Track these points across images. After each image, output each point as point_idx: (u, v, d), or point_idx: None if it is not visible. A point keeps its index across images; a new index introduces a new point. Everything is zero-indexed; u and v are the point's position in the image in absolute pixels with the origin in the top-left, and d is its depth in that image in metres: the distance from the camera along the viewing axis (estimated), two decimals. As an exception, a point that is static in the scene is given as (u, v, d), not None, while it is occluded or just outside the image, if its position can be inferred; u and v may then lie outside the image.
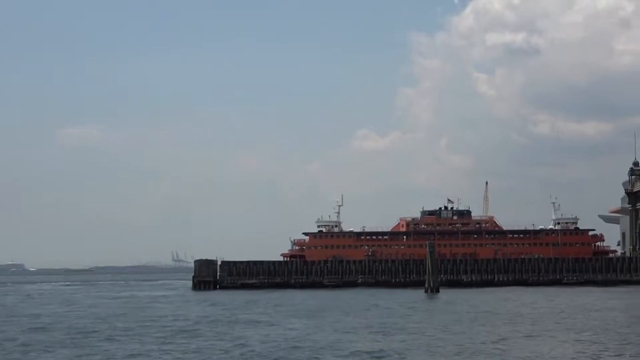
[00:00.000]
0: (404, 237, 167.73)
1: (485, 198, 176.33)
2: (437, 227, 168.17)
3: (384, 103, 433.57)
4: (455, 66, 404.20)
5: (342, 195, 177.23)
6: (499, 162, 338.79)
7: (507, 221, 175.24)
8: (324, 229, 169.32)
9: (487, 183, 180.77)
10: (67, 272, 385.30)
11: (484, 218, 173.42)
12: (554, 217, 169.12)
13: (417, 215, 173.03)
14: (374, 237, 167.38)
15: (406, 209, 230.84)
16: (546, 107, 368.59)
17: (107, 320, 61.79)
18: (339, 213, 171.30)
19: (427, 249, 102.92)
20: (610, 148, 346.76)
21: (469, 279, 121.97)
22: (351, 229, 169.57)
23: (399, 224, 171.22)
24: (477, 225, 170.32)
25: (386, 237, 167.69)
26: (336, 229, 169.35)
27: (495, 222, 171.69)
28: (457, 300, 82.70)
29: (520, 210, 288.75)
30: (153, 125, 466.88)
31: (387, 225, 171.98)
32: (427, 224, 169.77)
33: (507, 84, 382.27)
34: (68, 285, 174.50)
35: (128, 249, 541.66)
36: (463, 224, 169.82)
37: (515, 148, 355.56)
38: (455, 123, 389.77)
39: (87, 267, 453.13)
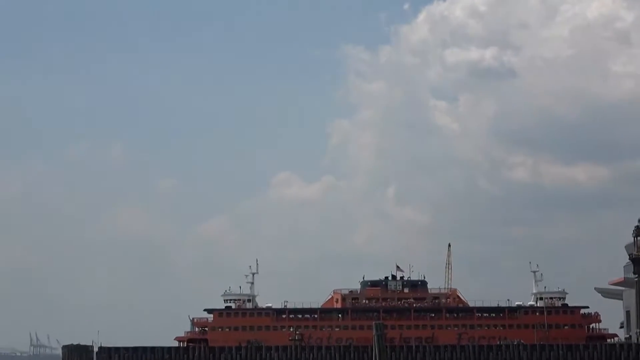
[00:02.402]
0: (340, 315, 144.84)
1: (447, 265, 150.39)
2: (383, 303, 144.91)
3: (312, 139, 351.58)
4: (405, 91, 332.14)
5: (256, 261, 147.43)
6: (464, 217, 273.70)
7: (475, 295, 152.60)
8: (233, 305, 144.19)
9: (449, 245, 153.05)
10: None
11: (444, 291, 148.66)
12: (535, 291, 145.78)
13: (357, 287, 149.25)
14: (300, 316, 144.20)
15: (342, 278, 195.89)
16: (524, 146, 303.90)
17: None
18: (252, 284, 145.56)
19: (374, 332, 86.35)
20: (607, 199, 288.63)
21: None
22: (269, 305, 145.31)
23: (332, 298, 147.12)
24: (435, 301, 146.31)
25: (316, 315, 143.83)
26: (249, 305, 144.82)
27: (459, 297, 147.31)
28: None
29: (491, 281, 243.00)
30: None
31: (317, 300, 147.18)
32: (369, 299, 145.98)
33: (474, 115, 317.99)
34: None
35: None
36: (417, 299, 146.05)
37: (485, 199, 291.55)
38: (406, 166, 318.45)
39: None
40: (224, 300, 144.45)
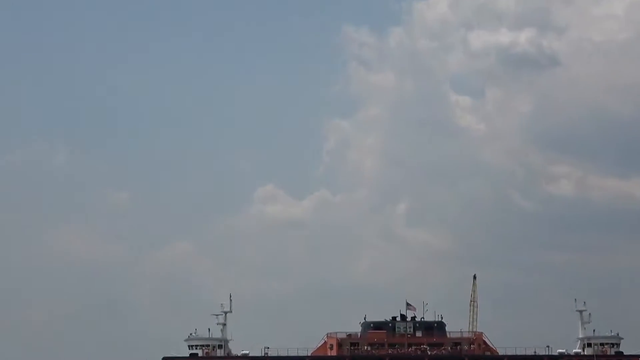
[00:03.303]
0: None
1: (472, 302, 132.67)
2: (390, 350, 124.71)
3: (303, 143, 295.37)
4: (419, 84, 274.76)
5: (230, 296, 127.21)
6: (493, 242, 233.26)
7: (506, 341, 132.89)
8: (200, 352, 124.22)
9: (474, 277, 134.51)
10: None
11: (467, 335, 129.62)
12: (581, 335, 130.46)
13: (357, 329, 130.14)
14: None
15: (338, 318, 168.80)
16: (568, 152, 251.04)
17: None
18: (225, 325, 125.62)
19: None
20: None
21: None
22: (246, 352, 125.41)
23: (325, 343, 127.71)
24: (456, 348, 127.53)
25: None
26: (220, 352, 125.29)
27: (485, 342, 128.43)
28: None
29: (527, 322, 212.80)
30: None
31: (306, 347, 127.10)
32: (372, 345, 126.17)
33: (505, 114, 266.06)
34: None
35: None
36: (433, 345, 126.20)
37: (519, 218, 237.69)
38: (420, 177, 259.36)
39: None
40: (189, 347, 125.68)
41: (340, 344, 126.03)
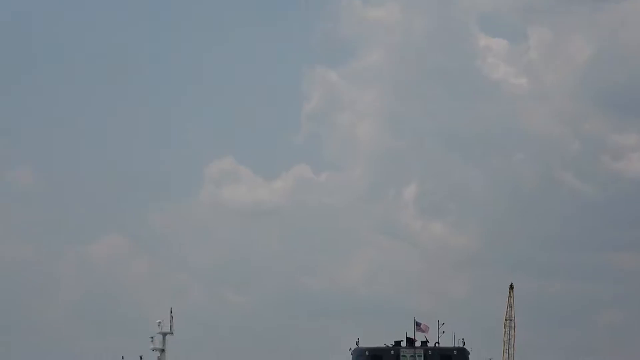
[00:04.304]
0: None
1: (507, 321, 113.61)
2: None
3: (275, 103, 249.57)
4: (436, 21, 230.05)
5: (170, 311, 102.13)
6: (537, 239, 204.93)
7: None
8: None
9: (511, 287, 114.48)
10: None
11: None
12: None
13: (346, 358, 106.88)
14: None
15: (318, 344, 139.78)
16: None
17: None
18: (163, 351, 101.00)
19: None
20: None
21: None
22: None
23: None
24: None
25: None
26: None
27: None
28: None
29: (583, 347, 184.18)
30: None
31: None
32: None
33: (555, 63, 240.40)
34: None
35: None
36: None
37: (573, 207, 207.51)
38: (435, 149, 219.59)
39: None
40: None
41: None
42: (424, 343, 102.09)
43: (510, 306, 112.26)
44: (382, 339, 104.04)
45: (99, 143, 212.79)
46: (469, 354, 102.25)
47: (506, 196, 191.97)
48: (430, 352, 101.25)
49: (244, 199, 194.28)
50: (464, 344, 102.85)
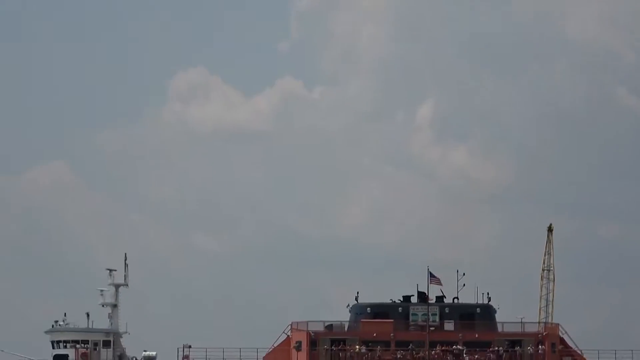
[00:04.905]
0: None
1: (544, 272, 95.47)
2: (399, 354, 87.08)
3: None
4: None
5: (125, 258, 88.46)
6: (582, 172, 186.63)
7: (599, 339, 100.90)
8: (70, 353, 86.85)
9: (549, 230, 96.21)
10: None
11: (532, 330, 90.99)
12: None
13: (342, 317, 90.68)
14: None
15: (311, 298, 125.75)
16: None
17: None
18: (115, 308, 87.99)
19: None
20: None
21: None
22: (151, 354, 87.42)
23: (288, 340, 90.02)
24: (513, 350, 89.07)
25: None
26: (107, 353, 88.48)
27: (564, 342, 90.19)
28: None
29: (636, 307, 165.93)
30: None
31: (255, 345, 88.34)
32: (369, 342, 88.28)
33: None
34: None
35: None
36: (473, 345, 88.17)
37: (630, 132, 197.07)
38: (457, 58, 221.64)
39: None
40: (53, 343, 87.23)
41: (313, 341, 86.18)
42: (440, 299, 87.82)
43: (548, 253, 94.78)
44: (388, 294, 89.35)
45: (39, 51, 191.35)
46: (495, 312, 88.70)
47: (544, 116, 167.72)
48: (447, 310, 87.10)
49: (218, 120, 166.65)
50: (489, 299, 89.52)
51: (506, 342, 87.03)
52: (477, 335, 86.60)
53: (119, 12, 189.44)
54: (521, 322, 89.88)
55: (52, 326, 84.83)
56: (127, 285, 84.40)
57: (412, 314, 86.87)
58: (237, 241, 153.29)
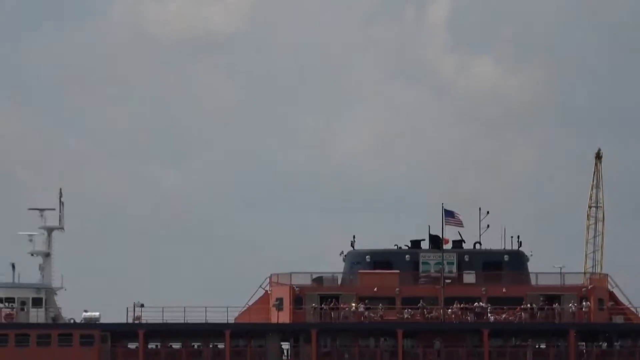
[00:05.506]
0: (293, 340, 78.54)
1: (590, 210, 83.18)
2: (405, 313, 75.59)
3: None
4: None
5: (60, 194, 74.12)
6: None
7: None
8: None
9: (598, 157, 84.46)
10: None
11: (575, 283, 77.43)
12: None
13: (335, 267, 77.99)
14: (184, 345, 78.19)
15: (296, 244, 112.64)
16: None
17: None
18: (48, 257, 73.95)
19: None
20: None
21: None
22: (93, 314, 75.20)
23: (266, 295, 78.25)
24: (551, 307, 75.77)
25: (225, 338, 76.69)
26: (37, 312, 75.92)
27: (614, 296, 77.99)
28: None
29: None
30: None
31: (227, 303, 76.31)
32: (367, 299, 76.53)
33: None
34: None
35: None
36: (500, 302, 76.27)
37: None
38: None
39: None
40: None
41: (297, 297, 74.13)
42: (458, 243, 74.67)
43: (596, 187, 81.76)
44: (393, 238, 76.55)
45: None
46: (527, 260, 75.39)
47: (590, 16, 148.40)
48: (467, 257, 73.77)
49: (180, 23, 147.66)
50: (519, 244, 76.12)
51: (541, 298, 74.59)
52: (504, 290, 74.26)
53: None
54: (560, 272, 76.74)
55: (0, 269, 73.11)
56: (63, 228, 71.87)
57: (422, 262, 74.58)
58: (203, 173, 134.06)
